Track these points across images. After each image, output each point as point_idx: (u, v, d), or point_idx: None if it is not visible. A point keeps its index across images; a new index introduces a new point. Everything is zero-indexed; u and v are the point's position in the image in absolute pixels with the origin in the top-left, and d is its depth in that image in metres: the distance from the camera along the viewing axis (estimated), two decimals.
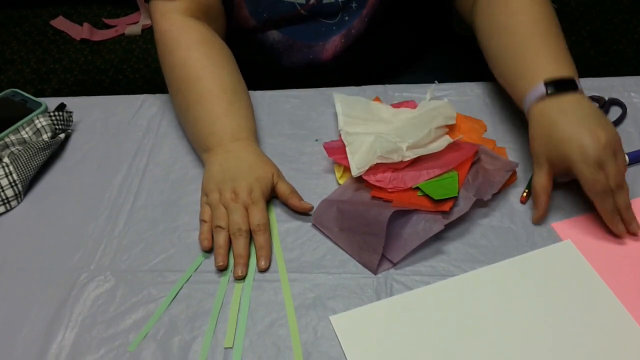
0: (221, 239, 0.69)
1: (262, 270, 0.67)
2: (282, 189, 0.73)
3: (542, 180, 0.68)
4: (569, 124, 0.66)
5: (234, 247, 0.68)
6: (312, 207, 0.72)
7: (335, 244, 0.70)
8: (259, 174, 0.72)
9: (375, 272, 0.66)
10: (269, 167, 0.74)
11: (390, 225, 0.66)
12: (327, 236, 0.70)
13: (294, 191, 0.73)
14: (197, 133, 0.79)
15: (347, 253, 0.69)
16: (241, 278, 0.66)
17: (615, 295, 0.63)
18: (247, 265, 0.67)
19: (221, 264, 0.67)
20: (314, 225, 0.72)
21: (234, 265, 0.67)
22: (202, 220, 0.71)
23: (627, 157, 0.74)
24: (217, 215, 0.70)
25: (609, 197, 0.65)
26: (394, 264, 0.67)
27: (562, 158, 0.66)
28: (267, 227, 0.70)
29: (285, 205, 0.73)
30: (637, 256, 0.66)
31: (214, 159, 0.75)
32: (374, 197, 0.71)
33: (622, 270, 0.65)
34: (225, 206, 0.70)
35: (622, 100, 0.81)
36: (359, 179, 0.73)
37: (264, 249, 0.68)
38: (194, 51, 0.81)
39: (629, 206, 0.66)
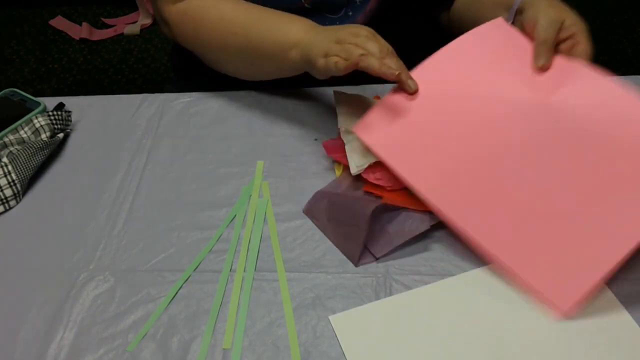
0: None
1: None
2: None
3: (552, 32, 0.74)
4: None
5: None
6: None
7: (324, 234, 0.70)
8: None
9: (356, 263, 0.67)
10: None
11: (376, 220, 0.67)
12: (317, 227, 0.71)
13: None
14: (273, 43, 0.79)
15: (332, 243, 0.69)
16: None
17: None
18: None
19: None
20: (306, 215, 0.72)
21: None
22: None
23: None
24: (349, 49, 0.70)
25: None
26: (377, 259, 0.67)
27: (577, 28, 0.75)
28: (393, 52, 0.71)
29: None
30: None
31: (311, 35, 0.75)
32: (366, 192, 0.71)
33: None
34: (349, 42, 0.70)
35: None
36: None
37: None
38: (223, 4, 0.83)
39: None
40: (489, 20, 0.79)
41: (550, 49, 0.73)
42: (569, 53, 0.74)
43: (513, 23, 0.79)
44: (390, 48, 0.71)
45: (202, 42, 0.86)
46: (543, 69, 0.73)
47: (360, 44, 0.70)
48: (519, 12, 0.78)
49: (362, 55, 0.68)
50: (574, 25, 0.74)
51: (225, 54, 0.85)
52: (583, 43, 0.74)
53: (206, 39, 0.85)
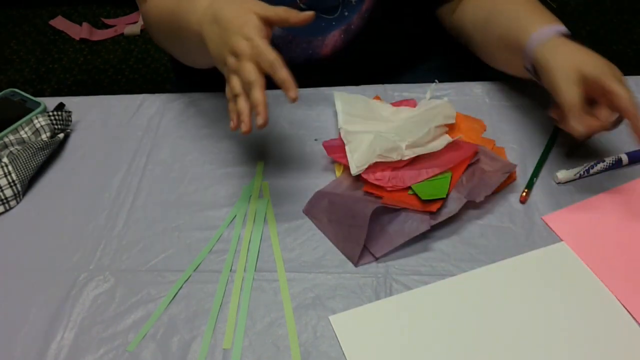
0: (241, 103, 0.64)
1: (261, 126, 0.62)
2: (273, 12, 0.69)
3: (574, 93, 0.67)
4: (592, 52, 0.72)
5: (251, 98, 0.63)
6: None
7: (324, 234, 0.70)
8: (244, 20, 0.67)
9: (356, 263, 0.67)
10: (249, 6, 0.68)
11: (376, 221, 0.67)
12: (317, 227, 0.71)
13: (286, 10, 0.69)
14: (181, 21, 0.75)
15: (332, 243, 0.69)
16: (262, 127, 0.62)
17: (610, 289, 0.64)
18: (266, 111, 0.63)
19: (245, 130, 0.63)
20: (306, 215, 0.72)
21: (256, 115, 0.63)
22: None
23: (627, 157, 0.74)
24: (233, 84, 0.66)
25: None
26: (376, 259, 0.67)
27: (598, 74, 0.68)
28: (281, 62, 0.65)
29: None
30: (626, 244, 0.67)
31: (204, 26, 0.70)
32: (366, 192, 0.71)
33: (614, 261, 0.66)
34: (234, 72, 0.66)
35: None
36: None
37: (285, 81, 0.64)
38: None
39: None
40: (499, 58, 0.81)
41: (581, 114, 0.66)
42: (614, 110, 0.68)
43: (537, 74, 0.73)
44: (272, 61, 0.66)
45: (159, 37, 0.88)
46: (583, 136, 0.67)
47: (242, 71, 0.65)
48: (537, 64, 0.72)
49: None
50: (595, 70, 0.68)
51: (169, 43, 0.86)
52: (617, 93, 0.66)
53: (157, 31, 0.87)
